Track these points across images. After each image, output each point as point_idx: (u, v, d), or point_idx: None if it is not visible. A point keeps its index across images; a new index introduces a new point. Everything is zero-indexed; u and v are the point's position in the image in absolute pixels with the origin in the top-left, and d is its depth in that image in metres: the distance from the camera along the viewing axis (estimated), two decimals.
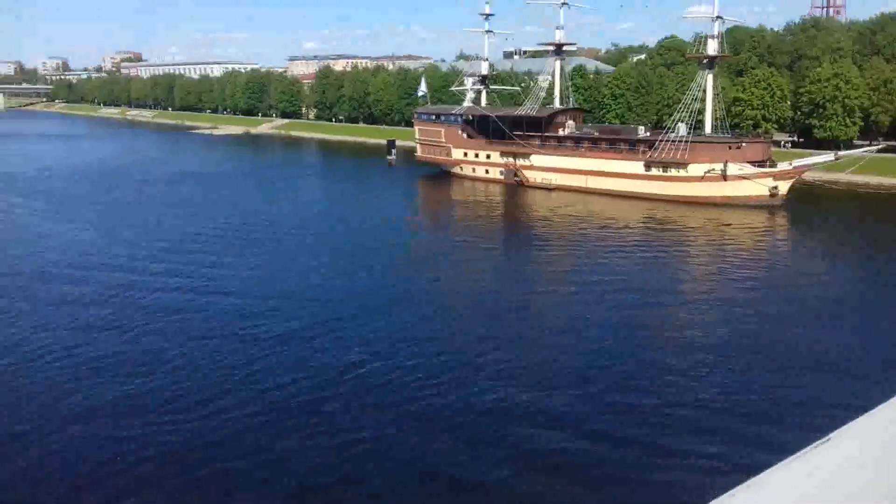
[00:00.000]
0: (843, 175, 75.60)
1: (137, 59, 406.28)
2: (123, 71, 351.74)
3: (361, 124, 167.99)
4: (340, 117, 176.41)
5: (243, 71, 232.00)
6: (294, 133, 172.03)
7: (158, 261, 49.04)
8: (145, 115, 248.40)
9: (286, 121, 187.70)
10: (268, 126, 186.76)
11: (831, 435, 2.14)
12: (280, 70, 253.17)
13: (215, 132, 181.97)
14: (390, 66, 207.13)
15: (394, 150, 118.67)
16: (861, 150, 77.58)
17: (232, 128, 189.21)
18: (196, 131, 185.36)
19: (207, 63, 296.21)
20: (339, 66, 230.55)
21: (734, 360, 31.15)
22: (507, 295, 41.95)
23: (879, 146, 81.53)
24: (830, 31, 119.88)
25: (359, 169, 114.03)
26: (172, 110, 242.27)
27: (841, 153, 76.78)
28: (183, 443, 23.87)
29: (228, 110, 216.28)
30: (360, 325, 35.64)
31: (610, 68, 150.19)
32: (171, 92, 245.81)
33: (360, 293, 41.61)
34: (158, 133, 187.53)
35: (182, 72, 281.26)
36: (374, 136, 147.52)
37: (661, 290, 42.72)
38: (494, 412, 25.98)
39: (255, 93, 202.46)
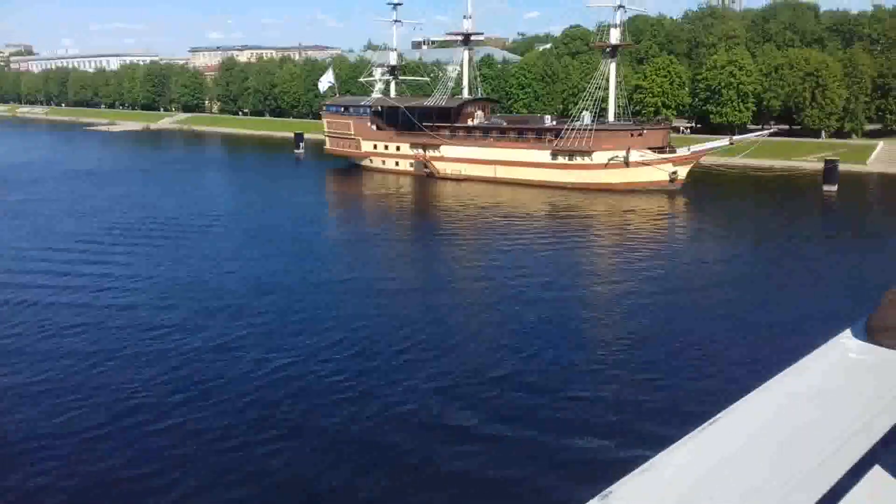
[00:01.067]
0: (737, 159, 78.81)
1: (28, 51, 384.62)
2: (13, 65, 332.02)
3: (268, 117, 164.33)
4: (246, 110, 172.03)
5: (142, 63, 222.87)
6: (197, 127, 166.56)
7: (43, 270, 45.38)
8: (37, 111, 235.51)
9: (188, 115, 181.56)
10: (169, 121, 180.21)
11: (720, 415, 2.12)
12: (182, 62, 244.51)
13: (113, 128, 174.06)
14: (297, 57, 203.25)
15: (302, 144, 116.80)
16: (754, 134, 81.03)
17: (131, 123, 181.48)
18: (92, 128, 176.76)
19: (104, 56, 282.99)
20: (243, 56, 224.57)
21: (628, 352, 31.76)
22: (412, 288, 41.79)
23: (771, 130, 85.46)
24: (725, 19, 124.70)
25: (266, 163, 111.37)
26: (67, 106, 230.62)
27: (735, 138, 80.00)
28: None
29: (127, 105, 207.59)
30: (264, 324, 34.66)
31: (517, 58, 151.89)
32: (65, 87, 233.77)
33: (266, 289, 40.44)
34: (52, 131, 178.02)
35: (77, 65, 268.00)
36: (281, 129, 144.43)
37: (562, 280, 43.03)
38: (382, 420, 25.31)
39: (155, 86, 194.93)
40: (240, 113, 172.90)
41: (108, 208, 66.43)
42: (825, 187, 72.82)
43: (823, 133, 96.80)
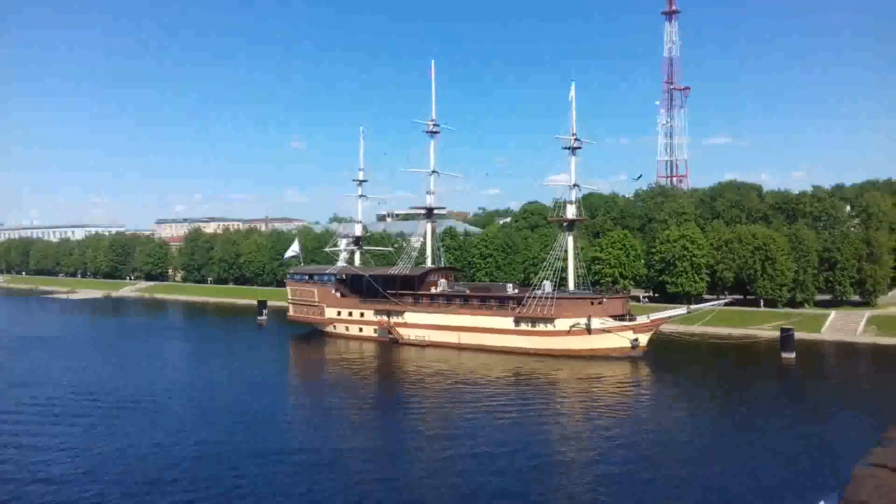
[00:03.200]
0: (695, 327, 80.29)
1: None
2: None
3: (231, 285, 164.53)
4: (209, 278, 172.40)
5: (107, 234, 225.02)
6: (158, 295, 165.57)
7: None
8: None
9: (150, 283, 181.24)
10: (130, 289, 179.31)
11: None
12: (147, 233, 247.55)
13: (73, 296, 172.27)
14: (263, 228, 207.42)
15: (265, 311, 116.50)
16: (710, 303, 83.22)
17: (91, 291, 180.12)
18: (52, 296, 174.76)
19: (70, 227, 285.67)
20: (210, 228, 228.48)
21: None
22: (368, 459, 40.24)
23: (726, 300, 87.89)
24: (675, 197, 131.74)
25: (227, 330, 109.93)
26: (27, 275, 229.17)
27: (693, 307, 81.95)
28: None
29: (90, 273, 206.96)
30: None
31: (478, 230, 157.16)
32: (27, 256, 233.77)
33: (203, 468, 38.26)
34: (8, 298, 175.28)
35: (41, 235, 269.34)
36: (244, 297, 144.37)
37: (527, 450, 41.80)
38: None
39: (119, 255, 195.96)
40: (205, 281, 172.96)
41: (46, 380, 63.84)
42: (783, 354, 73.86)
43: (778, 303, 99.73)
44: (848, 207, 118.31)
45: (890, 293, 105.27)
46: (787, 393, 60.62)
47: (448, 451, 41.42)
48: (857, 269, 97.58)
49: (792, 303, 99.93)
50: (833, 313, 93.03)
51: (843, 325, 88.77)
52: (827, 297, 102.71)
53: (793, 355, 73.44)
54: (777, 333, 79.05)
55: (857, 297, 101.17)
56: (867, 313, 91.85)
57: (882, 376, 67.00)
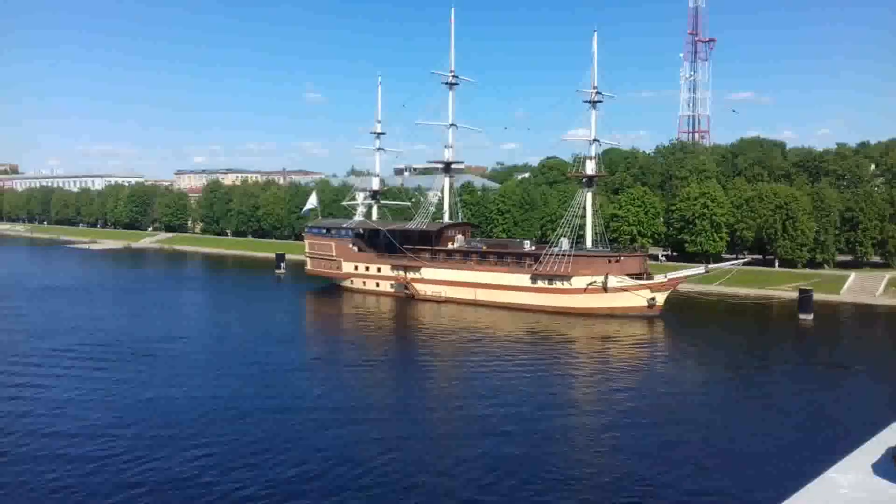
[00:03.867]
0: (713, 287, 79.92)
1: (14, 170, 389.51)
2: None
3: (250, 238, 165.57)
4: (228, 231, 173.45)
5: (126, 184, 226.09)
6: (178, 247, 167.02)
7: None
8: (18, 229, 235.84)
9: (170, 235, 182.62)
10: (150, 240, 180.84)
11: None
12: (166, 183, 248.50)
13: (94, 246, 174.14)
14: (281, 181, 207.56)
15: (283, 264, 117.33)
16: (728, 263, 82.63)
17: (112, 242, 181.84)
18: (73, 246, 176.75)
19: (89, 176, 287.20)
20: (228, 180, 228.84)
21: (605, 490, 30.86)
22: (381, 417, 40.69)
23: (745, 260, 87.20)
24: (696, 154, 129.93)
25: (245, 283, 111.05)
26: (48, 224, 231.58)
27: (711, 266, 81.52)
28: None
29: (109, 224, 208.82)
30: (218, 454, 33.10)
31: (496, 185, 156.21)
32: (47, 205, 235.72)
33: (225, 416, 38.95)
34: (31, 248, 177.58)
35: (62, 185, 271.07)
36: (262, 250, 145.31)
37: (540, 411, 41.91)
38: None
39: (138, 206, 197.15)
40: (225, 233, 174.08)
41: (74, 328, 64.91)
42: (801, 316, 73.52)
43: (798, 264, 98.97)
44: (873, 166, 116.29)
45: None
46: (804, 355, 60.54)
47: (460, 410, 41.86)
48: (880, 229, 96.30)
49: (812, 263, 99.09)
50: (853, 275, 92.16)
51: (862, 287, 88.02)
52: (848, 257, 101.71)
53: (811, 317, 73.07)
54: (795, 294, 78.58)
55: (878, 259, 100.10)
56: (888, 275, 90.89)
57: None
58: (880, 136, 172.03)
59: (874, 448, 2.44)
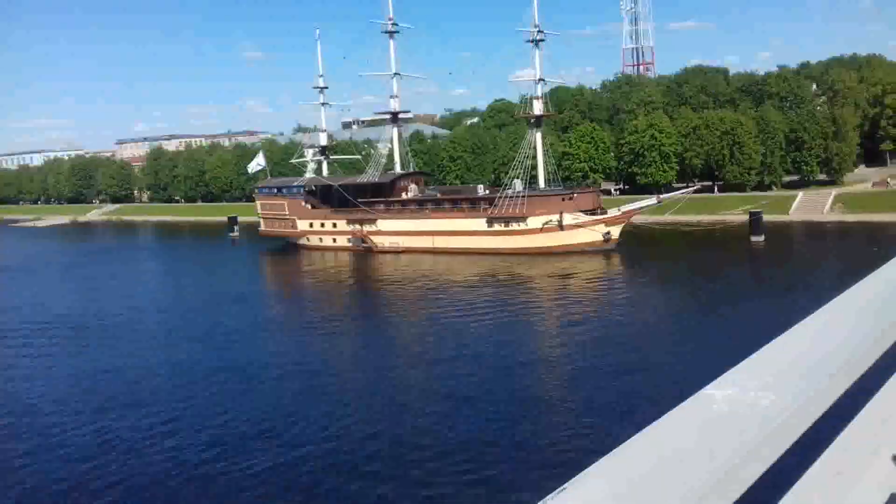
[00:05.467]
0: (666, 216, 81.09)
1: None
2: None
3: (200, 203, 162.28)
4: (177, 198, 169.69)
5: (66, 158, 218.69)
6: (127, 217, 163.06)
7: None
8: None
9: (118, 205, 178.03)
10: (97, 213, 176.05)
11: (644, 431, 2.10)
12: (108, 154, 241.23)
13: (38, 223, 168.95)
14: (227, 143, 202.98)
15: (236, 227, 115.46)
16: (680, 192, 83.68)
17: (57, 217, 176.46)
18: (17, 224, 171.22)
19: (28, 153, 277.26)
20: (171, 146, 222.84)
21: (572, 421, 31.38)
22: (346, 370, 40.73)
23: (695, 187, 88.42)
24: (642, 86, 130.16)
25: (200, 248, 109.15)
26: None
27: (663, 196, 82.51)
28: None
29: (53, 200, 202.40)
30: (170, 420, 32.69)
31: (446, 132, 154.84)
32: None
33: (175, 381, 38.40)
34: None
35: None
36: (214, 215, 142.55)
37: (503, 349, 42.13)
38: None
39: (81, 179, 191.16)
40: (171, 201, 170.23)
41: (11, 307, 62.83)
42: (752, 238, 75.18)
43: (747, 187, 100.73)
44: (814, 86, 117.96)
45: (856, 170, 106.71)
46: (756, 276, 62.05)
47: (423, 355, 42.05)
48: (824, 147, 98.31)
49: (760, 186, 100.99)
50: (800, 194, 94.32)
51: (810, 206, 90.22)
52: (795, 177, 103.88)
53: (762, 238, 74.75)
54: (746, 218, 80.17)
55: (823, 177, 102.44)
56: (833, 192, 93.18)
57: (847, 253, 68.65)
58: (820, 56, 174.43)
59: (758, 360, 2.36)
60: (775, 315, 46.44)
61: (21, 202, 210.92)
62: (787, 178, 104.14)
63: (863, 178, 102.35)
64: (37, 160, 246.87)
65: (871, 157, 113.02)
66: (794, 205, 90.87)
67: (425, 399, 33.91)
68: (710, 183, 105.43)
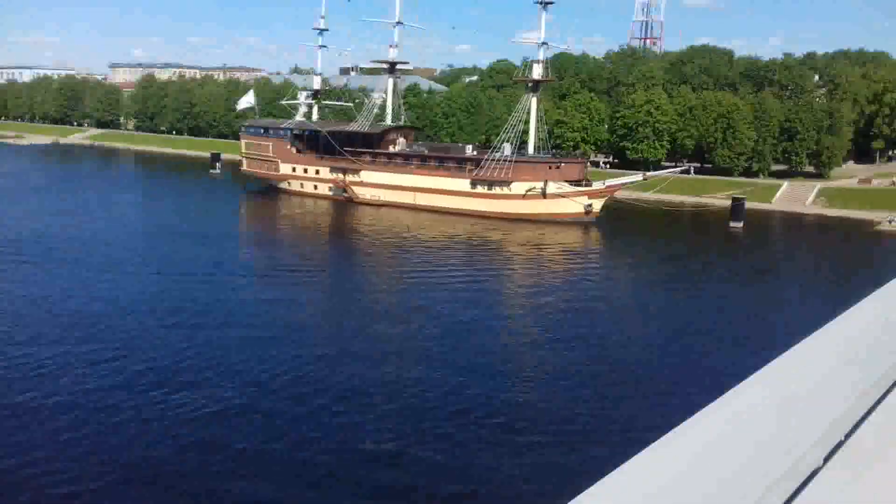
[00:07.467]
0: (650, 194, 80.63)
1: None
2: None
3: (185, 136, 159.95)
4: (163, 128, 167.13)
5: (56, 77, 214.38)
6: (109, 144, 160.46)
7: None
8: None
9: (101, 131, 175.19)
10: (80, 136, 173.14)
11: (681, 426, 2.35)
12: (100, 77, 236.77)
13: (20, 141, 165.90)
14: (221, 77, 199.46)
15: (219, 164, 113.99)
16: (667, 171, 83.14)
17: (40, 137, 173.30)
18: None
19: (18, 67, 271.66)
20: (165, 74, 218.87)
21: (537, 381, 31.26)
22: (322, 318, 40.27)
23: (683, 168, 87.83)
24: (645, 60, 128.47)
25: (179, 183, 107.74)
26: None
27: (649, 174, 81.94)
28: None
29: (37, 118, 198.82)
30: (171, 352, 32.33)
31: (444, 88, 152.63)
32: None
33: (170, 313, 37.88)
34: None
35: None
36: (198, 149, 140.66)
37: (475, 314, 41.62)
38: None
39: (68, 100, 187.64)
40: (157, 131, 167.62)
41: None
42: (731, 223, 75.04)
43: (734, 172, 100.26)
44: (816, 77, 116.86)
45: (844, 166, 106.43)
46: (726, 260, 61.98)
47: (382, 309, 41.72)
48: (816, 140, 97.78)
49: (748, 172, 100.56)
50: (785, 184, 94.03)
51: (793, 196, 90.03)
52: (783, 167, 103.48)
53: (740, 224, 74.63)
54: (729, 203, 79.89)
55: (811, 169, 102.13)
56: (818, 185, 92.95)
57: (819, 247, 68.80)
58: (828, 48, 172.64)
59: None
60: (739, 298, 46.59)
61: (4, 118, 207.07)
62: (775, 167, 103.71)
63: (850, 174, 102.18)
64: (27, 76, 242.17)
65: (863, 153, 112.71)
66: (778, 194, 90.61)
67: (371, 349, 33.54)
68: (698, 165, 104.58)
